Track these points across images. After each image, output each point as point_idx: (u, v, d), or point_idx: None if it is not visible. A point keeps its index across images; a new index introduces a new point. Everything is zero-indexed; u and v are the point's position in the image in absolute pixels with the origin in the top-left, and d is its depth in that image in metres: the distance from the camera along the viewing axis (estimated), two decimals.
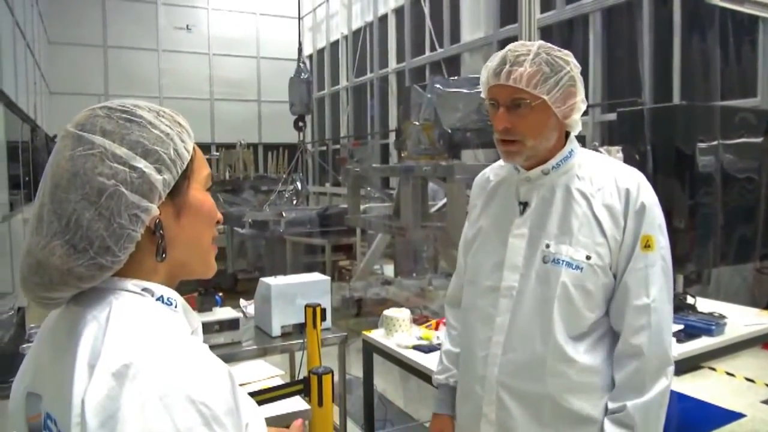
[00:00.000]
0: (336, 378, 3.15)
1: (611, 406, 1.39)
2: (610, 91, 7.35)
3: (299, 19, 10.80)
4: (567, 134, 1.48)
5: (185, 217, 0.82)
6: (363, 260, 7.05)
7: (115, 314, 0.74)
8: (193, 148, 0.85)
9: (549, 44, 1.43)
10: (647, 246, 1.38)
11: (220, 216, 0.88)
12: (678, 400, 3.70)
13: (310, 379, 1.76)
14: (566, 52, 1.43)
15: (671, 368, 1.40)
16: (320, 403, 1.73)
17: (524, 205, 1.47)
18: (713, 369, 4.31)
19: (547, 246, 1.41)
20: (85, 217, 0.74)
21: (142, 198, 0.76)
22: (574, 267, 1.38)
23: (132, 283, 0.78)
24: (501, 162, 1.57)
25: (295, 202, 9.70)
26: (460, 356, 1.62)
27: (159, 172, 0.78)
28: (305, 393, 1.87)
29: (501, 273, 1.46)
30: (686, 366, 2.83)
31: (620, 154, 4.46)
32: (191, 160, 0.83)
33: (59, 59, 13.92)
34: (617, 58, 7.16)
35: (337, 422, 3.22)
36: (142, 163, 0.76)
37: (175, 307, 0.82)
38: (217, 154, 10.69)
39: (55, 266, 0.74)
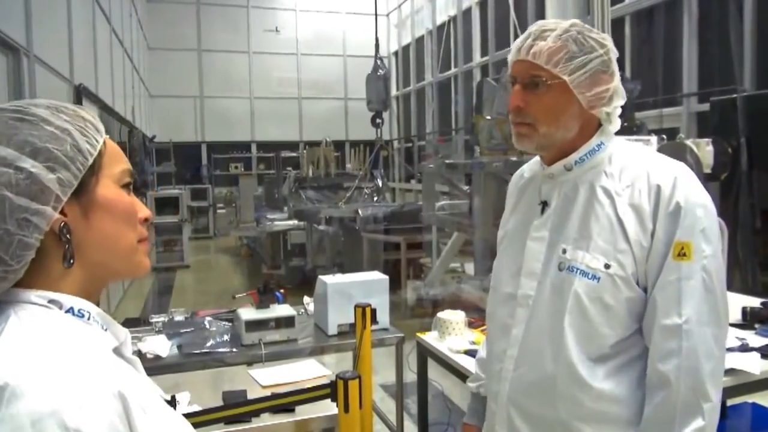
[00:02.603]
0: (393, 378, 3.15)
1: None
2: (707, 79, 6.79)
3: (376, 15, 10.80)
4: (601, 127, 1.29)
5: (94, 216, 0.77)
6: (439, 258, 6.96)
7: (7, 331, 0.70)
8: (104, 143, 0.79)
9: (587, 25, 1.26)
10: (682, 254, 1.15)
11: (147, 213, 0.82)
12: None
13: (336, 384, 1.71)
14: (604, 35, 1.25)
15: (710, 406, 1.15)
16: (346, 408, 1.67)
17: (544, 205, 1.31)
18: None
19: (564, 251, 1.25)
20: None
21: (32, 201, 0.71)
22: (589, 276, 1.20)
23: (35, 295, 0.74)
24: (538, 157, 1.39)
25: (375, 198, 9.72)
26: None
27: (52, 171, 0.72)
28: (332, 398, 1.82)
29: (519, 280, 1.31)
30: None
31: (710, 148, 4.10)
32: (99, 155, 0.77)
33: (158, 64, 14.72)
34: (712, 43, 6.60)
35: (394, 422, 3.18)
36: (29, 164, 0.71)
37: (89, 318, 0.76)
38: (301, 152, 10.90)
39: None
